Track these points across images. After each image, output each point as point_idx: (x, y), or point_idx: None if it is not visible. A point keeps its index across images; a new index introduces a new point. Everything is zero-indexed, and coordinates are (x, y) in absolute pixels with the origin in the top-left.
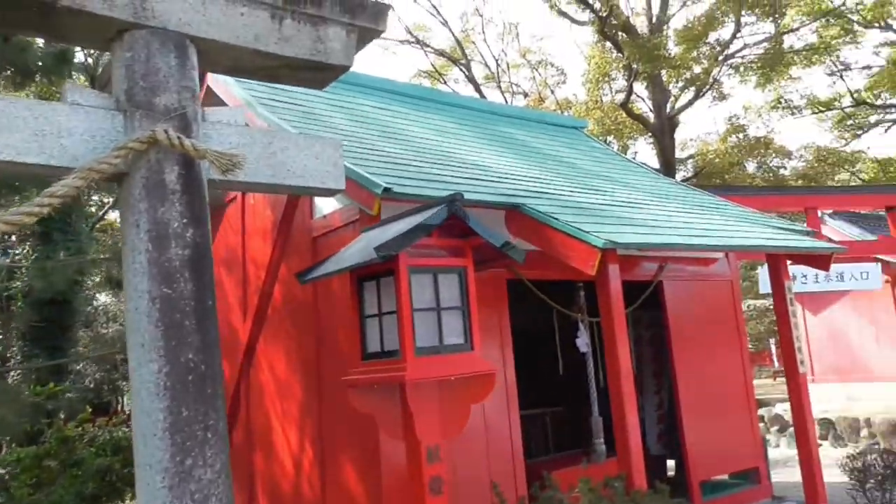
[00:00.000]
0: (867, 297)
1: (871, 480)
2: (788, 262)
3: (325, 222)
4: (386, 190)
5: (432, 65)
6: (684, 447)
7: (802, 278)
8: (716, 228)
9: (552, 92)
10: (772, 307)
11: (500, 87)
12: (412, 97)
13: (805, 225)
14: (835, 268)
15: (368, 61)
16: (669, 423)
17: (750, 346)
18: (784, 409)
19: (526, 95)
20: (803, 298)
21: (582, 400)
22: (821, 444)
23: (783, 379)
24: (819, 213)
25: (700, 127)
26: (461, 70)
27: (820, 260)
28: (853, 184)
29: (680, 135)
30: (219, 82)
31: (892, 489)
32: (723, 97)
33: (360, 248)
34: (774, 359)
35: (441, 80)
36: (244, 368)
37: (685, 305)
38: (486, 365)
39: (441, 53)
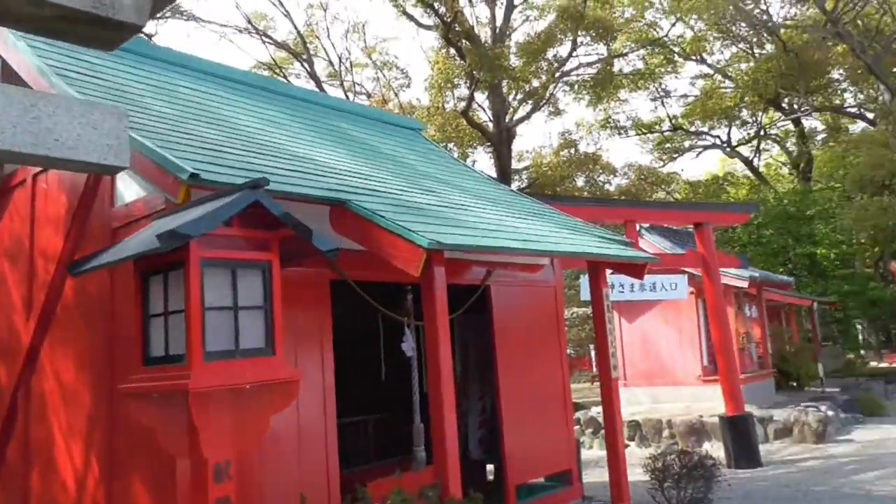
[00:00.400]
0: (675, 308)
1: (669, 480)
2: (608, 271)
3: (126, 211)
4: (193, 176)
5: (272, 57)
6: (503, 452)
7: (619, 287)
8: (543, 235)
9: (396, 95)
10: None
11: (342, 85)
12: (245, 85)
13: (624, 236)
14: (648, 278)
15: (203, 48)
16: (491, 427)
17: (571, 352)
18: (598, 412)
19: (369, 96)
20: (620, 307)
21: (407, 406)
22: (628, 445)
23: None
24: (637, 227)
25: (536, 140)
26: (303, 66)
27: (635, 269)
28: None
29: (517, 146)
30: (10, 49)
31: (687, 487)
32: (558, 113)
33: (146, 237)
34: (593, 364)
35: (282, 74)
36: (24, 375)
37: (511, 311)
38: (288, 371)
39: (283, 46)
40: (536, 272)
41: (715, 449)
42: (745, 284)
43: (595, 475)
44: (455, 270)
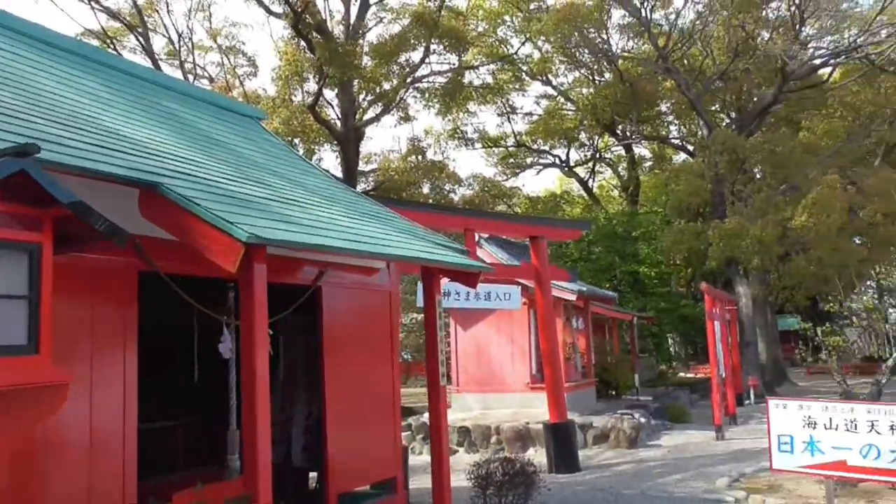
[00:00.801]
0: (508, 317)
1: (492, 487)
2: (445, 279)
3: None
4: None
5: (102, 27)
6: (325, 459)
7: (455, 295)
8: (378, 237)
9: (241, 83)
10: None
11: (182, 66)
12: (63, 51)
13: (463, 245)
14: (483, 288)
15: (20, 8)
16: (317, 433)
17: (409, 357)
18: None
19: (212, 81)
20: (456, 315)
21: (224, 411)
22: (457, 451)
23: (408, 388)
24: (476, 237)
25: (386, 143)
26: (138, 40)
27: (469, 278)
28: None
29: (366, 148)
30: None
31: (508, 493)
32: (408, 118)
33: None
34: None
35: (112, 46)
36: None
37: (343, 314)
38: (54, 374)
39: (115, 15)
40: (371, 275)
41: (539, 454)
42: (573, 297)
43: (423, 481)
44: (284, 269)
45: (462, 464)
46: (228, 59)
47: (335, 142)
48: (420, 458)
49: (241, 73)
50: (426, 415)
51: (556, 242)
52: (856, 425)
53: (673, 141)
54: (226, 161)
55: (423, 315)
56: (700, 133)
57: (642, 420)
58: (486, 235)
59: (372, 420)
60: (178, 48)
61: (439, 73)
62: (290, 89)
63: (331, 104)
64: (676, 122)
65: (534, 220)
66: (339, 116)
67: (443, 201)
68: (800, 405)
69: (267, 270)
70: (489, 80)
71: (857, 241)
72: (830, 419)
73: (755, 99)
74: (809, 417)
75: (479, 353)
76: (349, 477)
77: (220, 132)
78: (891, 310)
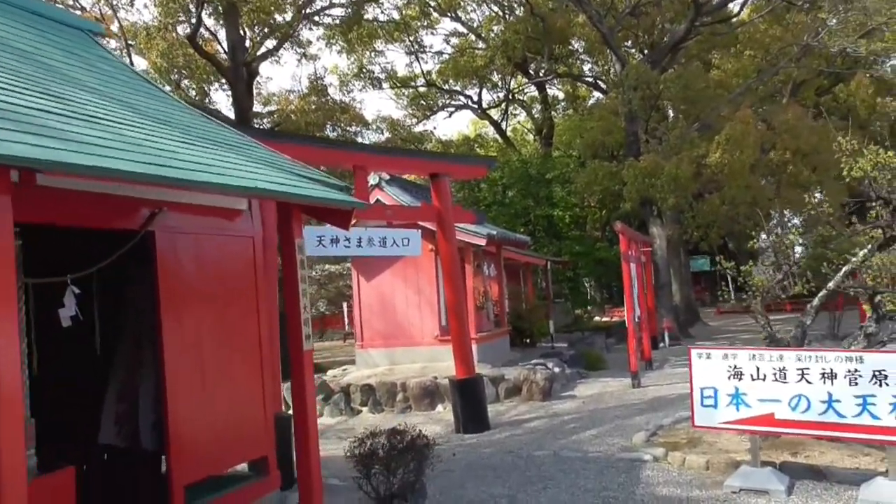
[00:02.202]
0: (414, 266)
1: (377, 465)
2: (312, 220)
3: None
4: None
5: None
6: (167, 443)
7: (345, 241)
8: (217, 166)
9: (115, 14)
10: (346, 272)
11: None
12: None
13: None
14: (378, 232)
15: None
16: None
17: (325, 311)
18: (334, 375)
19: (83, 10)
20: (358, 265)
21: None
22: (361, 411)
23: (353, 341)
24: (377, 179)
25: (288, 84)
26: None
27: (340, 217)
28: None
29: (266, 89)
30: None
31: (397, 471)
32: (308, 56)
33: None
34: (346, 322)
35: None
36: None
37: (186, 264)
38: None
39: None
40: (232, 219)
41: (447, 412)
42: (482, 242)
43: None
44: (103, 209)
45: (366, 425)
46: None
47: (224, 79)
48: (319, 420)
49: (116, 2)
50: (330, 372)
51: (466, 184)
52: (785, 375)
53: (586, 79)
54: (16, 71)
55: (335, 267)
56: (613, 70)
57: (556, 370)
58: (386, 177)
59: (232, 389)
60: None
61: (338, 4)
62: (171, 18)
63: (216, 38)
64: (589, 59)
65: (434, 155)
66: (227, 50)
67: None
68: (724, 354)
69: (75, 210)
70: (395, 15)
71: (767, 180)
72: (758, 368)
73: (667, 35)
74: (735, 367)
75: (383, 306)
76: (201, 461)
77: (26, 42)
78: (797, 247)
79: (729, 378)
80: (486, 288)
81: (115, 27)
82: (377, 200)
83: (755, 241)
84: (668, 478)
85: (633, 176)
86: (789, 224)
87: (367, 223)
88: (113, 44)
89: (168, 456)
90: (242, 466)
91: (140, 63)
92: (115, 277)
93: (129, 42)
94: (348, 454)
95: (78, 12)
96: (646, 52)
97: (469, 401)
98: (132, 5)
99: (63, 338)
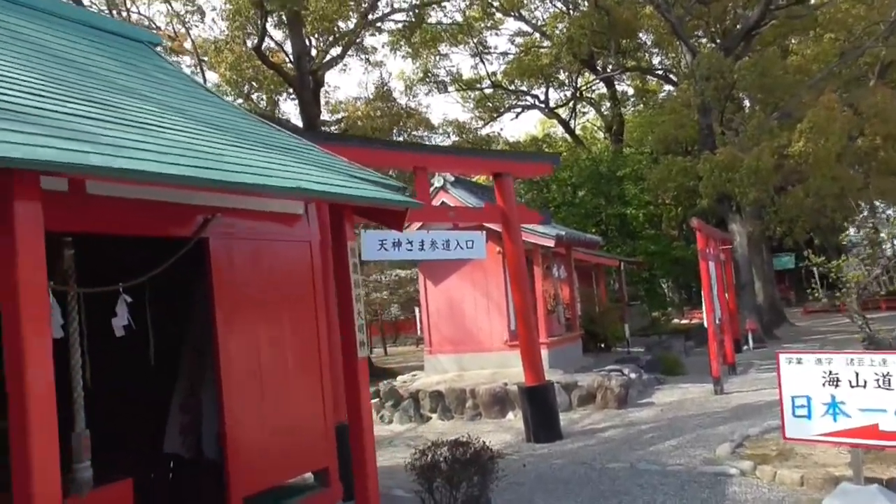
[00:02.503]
0: (481, 269)
1: (439, 479)
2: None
3: None
4: None
5: None
6: (224, 453)
7: (407, 245)
8: (267, 168)
9: (187, 31)
10: (413, 277)
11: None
12: None
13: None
14: (440, 235)
15: None
16: None
17: (399, 316)
18: (404, 381)
19: (157, 29)
20: (425, 268)
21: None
22: (430, 418)
23: (399, 347)
24: (441, 181)
25: (355, 92)
26: None
27: (394, 217)
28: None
29: (334, 97)
30: None
31: (460, 485)
32: (377, 64)
33: None
34: (418, 326)
35: None
36: None
37: (241, 271)
38: None
39: None
40: (289, 225)
41: (518, 420)
42: (551, 243)
43: (386, 456)
44: (155, 215)
45: (435, 433)
46: (170, 5)
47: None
48: (388, 427)
49: (188, 19)
50: (400, 378)
51: (535, 185)
52: (889, 381)
53: (656, 72)
54: (65, 80)
55: (405, 272)
56: (684, 62)
57: (632, 376)
58: (451, 178)
59: (291, 398)
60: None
61: (400, 10)
62: (238, 31)
63: (283, 48)
64: (658, 52)
65: (497, 153)
66: (292, 60)
67: None
68: (818, 359)
69: (127, 218)
70: (458, 17)
71: (855, 169)
72: (857, 374)
73: (740, 22)
74: (831, 373)
75: (451, 310)
76: (261, 472)
77: (82, 54)
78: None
79: (824, 385)
80: (557, 291)
81: (188, 45)
82: (442, 203)
83: (846, 234)
84: (757, 494)
85: (708, 170)
86: (882, 215)
87: (431, 226)
88: (188, 60)
89: (226, 467)
90: (306, 476)
91: (213, 78)
92: (170, 286)
93: (202, 58)
94: (409, 466)
95: (154, 31)
96: (718, 40)
97: (539, 408)
98: (202, 21)
99: (116, 348)
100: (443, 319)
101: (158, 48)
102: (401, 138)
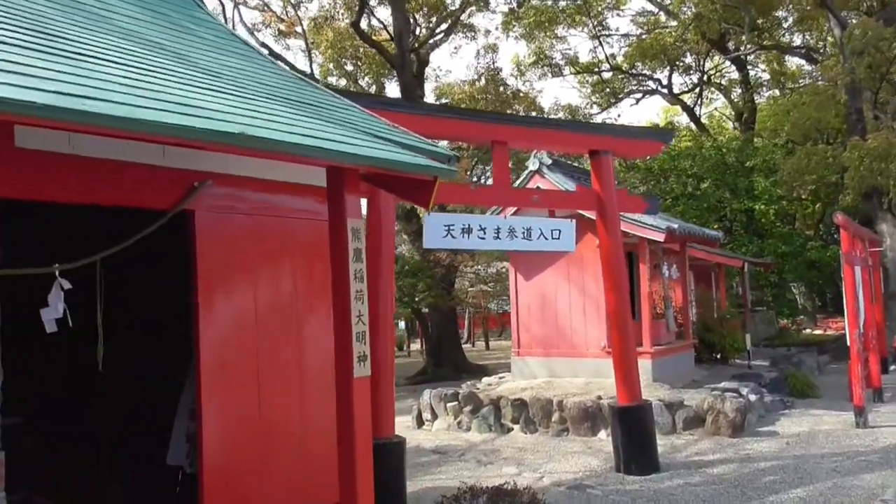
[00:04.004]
0: (579, 264)
1: None
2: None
3: None
4: None
5: None
6: (201, 482)
7: (479, 231)
8: (245, 116)
9: (297, 12)
10: (503, 271)
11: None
12: None
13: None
14: (522, 221)
15: None
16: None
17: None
18: (487, 385)
19: (272, 13)
20: (517, 260)
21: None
22: (512, 429)
23: (503, 342)
24: (537, 164)
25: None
26: None
27: (417, 189)
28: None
29: (446, 80)
30: None
31: None
32: (491, 48)
33: None
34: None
35: None
36: None
37: (237, 255)
38: None
39: None
40: (302, 196)
41: (610, 440)
42: (661, 237)
43: (449, 474)
44: (118, 180)
45: (513, 448)
46: None
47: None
48: (466, 436)
49: (295, 1)
50: (488, 379)
51: (651, 175)
52: None
53: (797, 51)
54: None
55: (503, 264)
56: (830, 38)
57: (752, 397)
58: (548, 161)
59: (301, 417)
60: None
61: None
62: (338, 6)
63: (385, 27)
64: (800, 30)
65: (593, 127)
66: (392, 37)
67: None
68: None
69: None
70: None
71: None
72: None
73: None
74: None
75: (543, 309)
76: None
77: (129, 12)
78: None
79: None
80: (667, 292)
81: (299, 28)
82: (537, 188)
83: None
84: None
85: (856, 160)
86: None
87: (525, 212)
88: (301, 44)
89: (201, 495)
90: None
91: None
92: (136, 272)
93: (311, 42)
94: None
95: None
96: (873, 15)
97: (633, 434)
98: (310, 1)
99: (53, 345)
100: (533, 318)
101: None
102: None
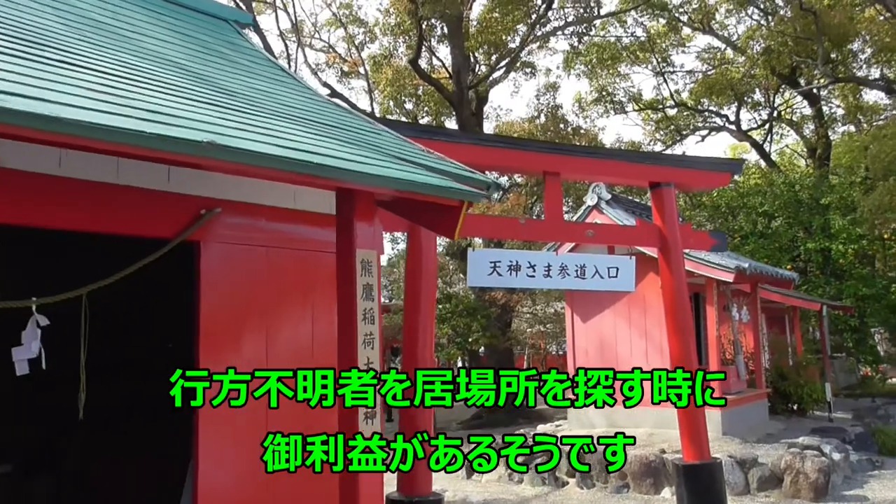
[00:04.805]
0: (641, 304)
1: None
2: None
3: None
4: None
5: None
6: None
7: (529, 269)
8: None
9: (359, 53)
10: (562, 312)
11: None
12: None
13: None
14: (576, 259)
15: None
16: None
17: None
18: (543, 433)
19: (336, 54)
20: (574, 300)
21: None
22: (568, 483)
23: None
24: (596, 199)
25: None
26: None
27: (444, 217)
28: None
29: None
30: None
31: None
32: (552, 87)
33: None
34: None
35: None
36: None
37: (246, 290)
38: None
39: None
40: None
41: (675, 499)
42: (730, 277)
43: None
44: (117, 205)
45: (571, 501)
46: (346, 28)
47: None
48: (516, 489)
49: (358, 40)
50: (544, 426)
51: (717, 213)
52: None
53: (875, 83)
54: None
55: (560, 304)
56: None
57: (836, 456)
58: (607, 196)
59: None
60: (296, 23)
61: (573, 23)
62: (396, 43)
63: (445, 65)
64: (877, 62)
65: (653, 157)
66: (451, 74)
67: None
68: None
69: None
70: (639, 33)
71: None
72: None
73: None
74: None
75: (602, 352)
76: None
77: (155, 34)
78: None
79: None
80: (736, 336)
81: (361, 69)
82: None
83: None
84: None
85: None
86: None
87: (584, 248)
88: (363, 84)
89: None
90: None
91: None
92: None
93: (371, 80)
94: None
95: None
96: None
97: (700, 495)
98: (371, 43)
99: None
100: (591, 362)
101: (245, 30)
102: None
